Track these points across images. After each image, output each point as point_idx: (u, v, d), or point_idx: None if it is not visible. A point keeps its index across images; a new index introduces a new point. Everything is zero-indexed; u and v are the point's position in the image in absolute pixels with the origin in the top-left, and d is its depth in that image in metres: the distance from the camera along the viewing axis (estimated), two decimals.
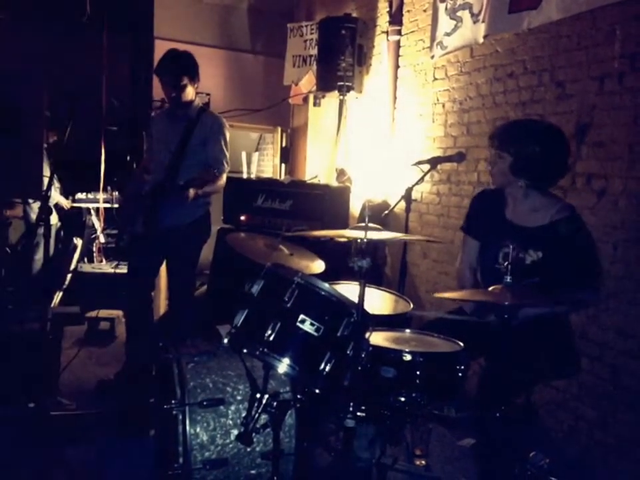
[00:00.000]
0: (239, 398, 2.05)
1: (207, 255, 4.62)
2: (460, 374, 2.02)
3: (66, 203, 5.12)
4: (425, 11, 4.25)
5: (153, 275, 3.66)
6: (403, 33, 4.58)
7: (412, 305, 2.51)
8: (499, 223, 2.52)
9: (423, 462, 2.34)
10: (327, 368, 1.80)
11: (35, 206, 4.48)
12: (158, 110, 3.90)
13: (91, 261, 5.38)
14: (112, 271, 4.71)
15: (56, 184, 4.65)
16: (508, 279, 1.99)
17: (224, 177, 3.49)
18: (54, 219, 4.67)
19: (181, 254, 3.49)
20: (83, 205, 5.30)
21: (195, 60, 3.48)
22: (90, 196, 5.28)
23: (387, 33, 4.70)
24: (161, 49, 3.73)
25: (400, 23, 4.58)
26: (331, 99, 5.11)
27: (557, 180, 2.49)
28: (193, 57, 3.50)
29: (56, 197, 4.87)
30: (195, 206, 3.41)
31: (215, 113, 3.75)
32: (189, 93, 3.44)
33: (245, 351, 1.85)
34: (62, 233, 4.99)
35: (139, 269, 3.52)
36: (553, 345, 2.37)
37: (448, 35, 3.81)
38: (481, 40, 3.46)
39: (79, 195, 5.27)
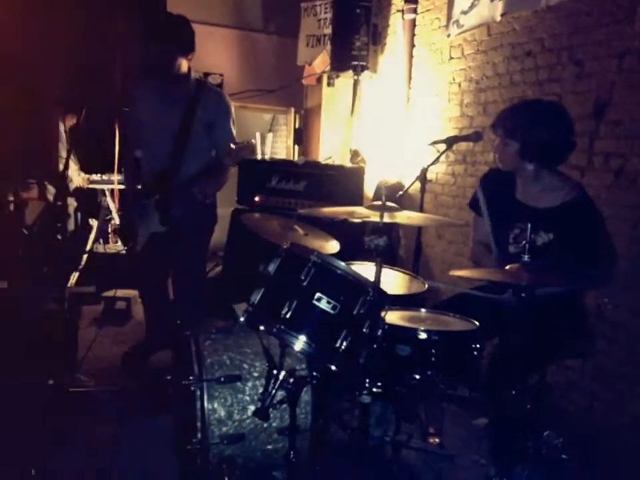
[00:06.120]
0: (255, 374, 2.08)
1: (221, 236, 4.65)
2: (475, 352, 2.03)
3: (82, 182, 5.10)
4: None
5: (167, 265, 3.37)
6: (418, 12, 4.53)
7: (426, 286, 2.50)
8: (509, 204, 2.50)
9: (437, 440, 2.37)
10: (343, 345, 1.81)
11: (52, 187, 4.50)
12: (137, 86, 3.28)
13: (106, 241, 5.43)
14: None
15: (73, 165, 4.65)
16: (526, 257, 1.98)
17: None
18: (71, 200, 4.68)
19: (187, 244, 3.25)
20: (98, 187, 5.32)
21: (191, 27, 3.07)
22: (105, 177, 5.30)
23: (402, 11, 4.64)
24: None
25: (415, 1, 4.53)
26: (345, 79, 5.08)
27: (567, 157, 2.46)
28: (189, 23, 3.08)
29: (75, 179, 4.88)
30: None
31: (215, 87, 3.39)
32: (182, 64, 3.06)
33: (261, 328, 1.86)
34: (78, 214, 5.03)
35: (152, 262, 3.29)
36: (567, 324, 2.36)
37: (465, 13, 3.77)
38: (499, 18, 3.42)
39: (94, 177, 5.29)
